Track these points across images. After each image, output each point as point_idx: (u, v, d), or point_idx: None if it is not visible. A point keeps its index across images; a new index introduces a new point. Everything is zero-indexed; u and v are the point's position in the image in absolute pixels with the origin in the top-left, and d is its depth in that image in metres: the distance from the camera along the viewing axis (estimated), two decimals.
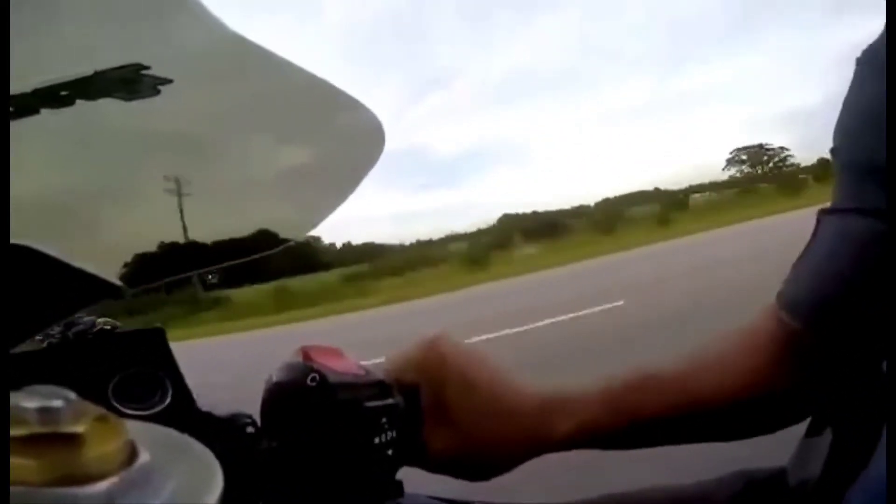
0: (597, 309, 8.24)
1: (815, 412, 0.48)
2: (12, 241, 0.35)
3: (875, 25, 0.43)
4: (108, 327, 0.43)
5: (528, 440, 0.46)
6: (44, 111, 0.33)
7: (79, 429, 0.19)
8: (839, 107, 0.46)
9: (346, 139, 0.45)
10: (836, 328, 0.44)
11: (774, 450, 0.53)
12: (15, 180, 0.31)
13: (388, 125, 0.46)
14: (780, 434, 0.50)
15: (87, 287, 0.42)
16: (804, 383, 0.46)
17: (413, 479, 0.46)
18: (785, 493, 0.48)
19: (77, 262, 0.40)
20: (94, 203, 0.41)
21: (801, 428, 0.49)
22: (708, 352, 0.49)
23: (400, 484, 0.44)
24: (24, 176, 0.35)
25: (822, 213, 0.46)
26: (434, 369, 0.46)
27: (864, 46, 0.44)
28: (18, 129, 0.33)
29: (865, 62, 0.44)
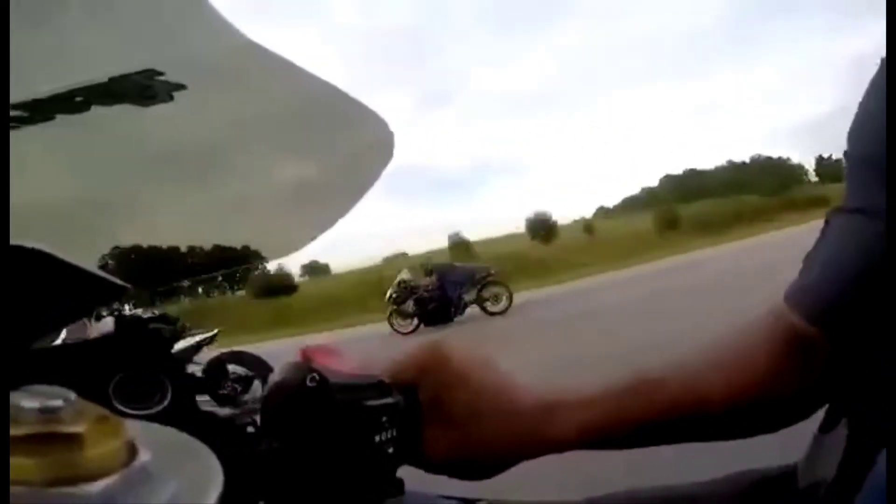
0: None
1: (829, 409, 0.48)
2: (19, 241, 0.35)
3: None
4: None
5: (529, 440, 0.46)
6: (59, 117, 0.33)
7: (79, 429, 0.19)
8: (851, 116, 0.46)
9: (356, 149, 0.45)
10: (843, 328, 0.44)
11: (781, 449, 0.53)
12: (22, 187, 0.31)
13: (398, 139, 0.46)
14: (788, 434, 0.49)
15: (91, 288, 0.42)
16: (812, 382, 0.46)
17: (414, 477, 0.46)
18: (793, 493, 0.47)
19: (84, 264, 0.40)
20: (101, 210, 0.41)
21: (809, 428, 0.49)
22: (716, 350, 0.49)
23: (400, 482, 0.44)
24: (32, 183, 0.35)
25: (832, 214, 0.46)
26: (435, 369, 0.46)
27: (875, 53, 0.44)
28: (29, 135, 0.33)
29: (883, 65, 0.44)
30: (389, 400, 0.42)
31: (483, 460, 0.46)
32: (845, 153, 0.46)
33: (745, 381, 0.47)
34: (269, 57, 0.36)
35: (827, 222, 0.47)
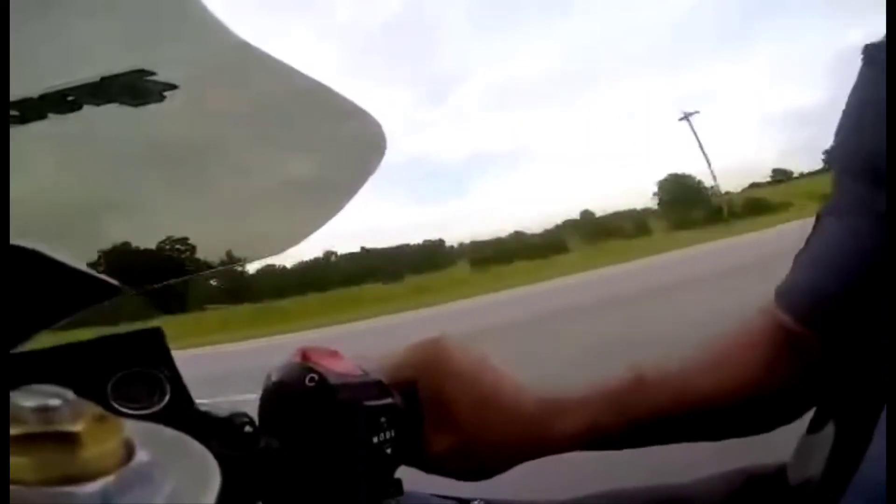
0: None
1: (817, 409, 0.48)
2: (14, 241, 0.35)
3: (877, 26, 0.43)
4: None
5: (528, 441, 0.46)
6: (51, 116, 0.34)
7: (76, 428, 0.19)
8: (841, 109, 0.46)
9: (348, 148, 0.46)
10: (833, 328, 0.44)
11: (775, 447, 0.53)
12: (21, 184, 0.31)
13: (395, 133, 0.46)
14: (782, 431, 0.49)
15: (87, 287, 0.42)
16: (802, 381, 0.46)
17: (412, 477, 0.46)
18: (785, 491, 0.48)
19: (79, 264, 0.41)
20: (99, 208, 0.41)
21: (801, 426, 0.49)
22: (707, 351, 0.49)
23: (399, 482, 0.44)
24: (30, 180, 0.35)
25: (822, 213, 0.47)
26: (434, 368, 0.46)
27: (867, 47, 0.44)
28: (25, 133, 0.33)
29: (867, 63, 0.44)
30: (388, 400, 0.42)
31: (483, 461, 0.46)
32: (832, 156, 0.46)
33: (738, 380, 0.47)
34: (260, 56, 0.36)
35: (817, 221, 0.47)
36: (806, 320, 0.45)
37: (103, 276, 0.42)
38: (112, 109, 0.35)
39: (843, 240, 0.44)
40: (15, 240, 0.35)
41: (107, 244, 0.43)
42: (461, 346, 0.47)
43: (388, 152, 0.47)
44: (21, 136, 0.33)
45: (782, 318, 0.46)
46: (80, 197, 0.40)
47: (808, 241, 0.47)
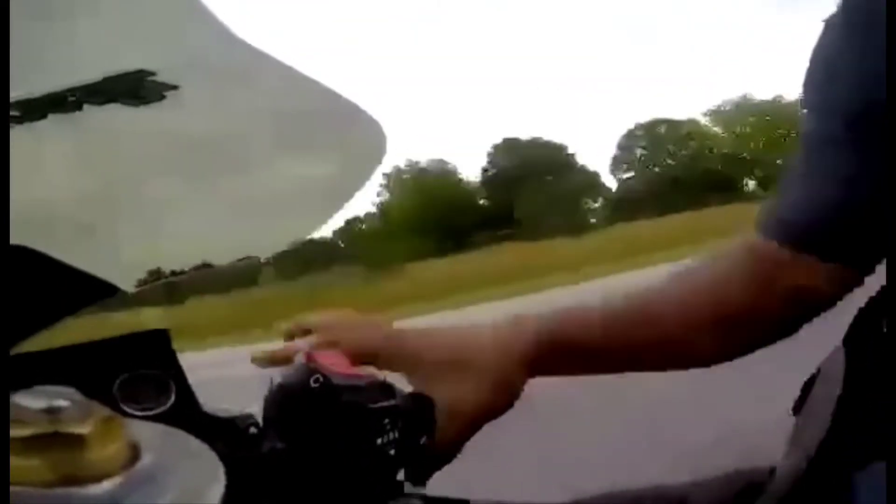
0: None
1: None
2: (18, 243, 0.35)
3: None
4: None
5: (506, 361, 0.48)
6: (53, 117, 0.34)
7: (84, 430, 0.19)
8: None
9: (348, 148, 0.46)
10: (821, 248, 0.46)
11: (775, 449, 0.53)
12: (25, 186, 0.31)
13: (398, 131, 0.47)
14: (780, 432, 0.50)
15: (86, 287, 0.43)
16: (784, 302, 0.49)
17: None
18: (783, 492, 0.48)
19: (82, 266, 0.41)
20: (104, 210, 0.41)
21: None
22: (691, 278, 0.52)
23: (401, 484, 0.44)
24: (34, 182, 0.36)
25: (800, 143, 0.50)
26: (392, 356, 0.48)
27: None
28: (27, 134, 0.33)
29: (829, 25, 0.47)
30: (392, 402, 0.42)
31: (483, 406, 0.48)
32: (805, 98, 0.50)
33: (723, 303, 0.49)
34: (263, 59, 0.37)
35: (802, 144, 0.50)
36: (787, 240, 0.48)
37: (104, 277, 0.43)
38: (118, 110, 0.35)
39: (820, 165, 0.47)
40: (18, 239, 0.35)
41: (113, 243, 0.44)
42: (396, 328, 0.50)
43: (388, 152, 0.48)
44: (25, 138, 0.33)
45: (770, 243, 0.49)
46: (86, 195, 0.40)
47: (794, 165, 0.50)
